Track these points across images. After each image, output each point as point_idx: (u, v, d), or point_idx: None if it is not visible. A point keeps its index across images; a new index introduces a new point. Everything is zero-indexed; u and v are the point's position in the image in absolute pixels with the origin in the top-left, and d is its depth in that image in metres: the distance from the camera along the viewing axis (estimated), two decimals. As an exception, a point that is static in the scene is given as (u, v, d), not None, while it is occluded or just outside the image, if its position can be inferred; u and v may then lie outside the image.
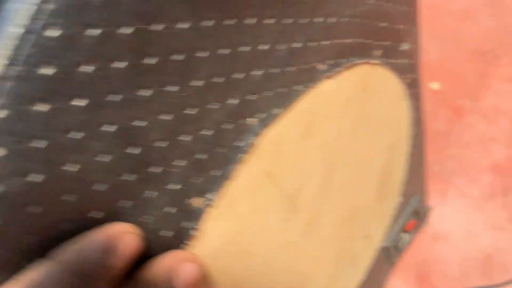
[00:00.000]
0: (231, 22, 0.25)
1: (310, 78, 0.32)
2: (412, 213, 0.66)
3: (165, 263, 0.25)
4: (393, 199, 0.56)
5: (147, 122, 0.23)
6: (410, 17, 0.43)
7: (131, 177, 0.23)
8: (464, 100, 0.90)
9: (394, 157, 0.52)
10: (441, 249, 0.75)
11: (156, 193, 0.25)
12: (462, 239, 0.75)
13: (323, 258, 0.46)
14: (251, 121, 0.28)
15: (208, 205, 0.28)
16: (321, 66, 0.33)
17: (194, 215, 0.28)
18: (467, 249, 0.74)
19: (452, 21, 1.03)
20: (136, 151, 0.23)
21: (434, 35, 1.02)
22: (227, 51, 0.25)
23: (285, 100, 0.30)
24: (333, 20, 0.32)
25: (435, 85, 0.93)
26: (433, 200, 0.80)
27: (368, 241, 0.55)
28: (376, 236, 0.57)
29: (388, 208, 0.57)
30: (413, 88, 0.50)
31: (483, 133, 0.85)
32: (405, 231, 0.68)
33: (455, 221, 0.77)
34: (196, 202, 0.27)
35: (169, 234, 0.26)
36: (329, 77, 0.35)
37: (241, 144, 0.29)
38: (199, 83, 0.24)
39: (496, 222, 0.75)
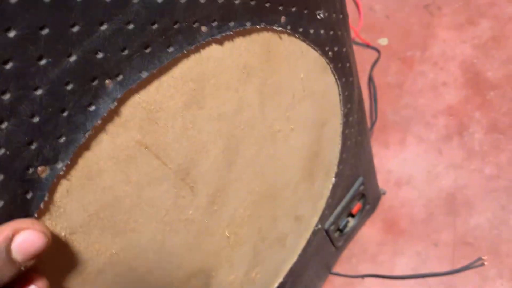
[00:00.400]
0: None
1: (185, 40, 0.25)
2: (357, 196, 0.59)
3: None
4: (326, 180, 0.49)
5: None
6: None
7: None
8: (413, 51, 0.83)
9: (323, 136, 0.44)
10: (405, 194, 0.68)
11: None
12: (425, 182, 0.68)
13: (238, 238, 0.39)
14: (103, 83, 0.22)
15: (55, 175, 0.22)
16: (201, 28, 0.26)
17: (39, 186, 0.21)
18: (430, 191, 0.67)
19: (394, -20, 0.95)
20: None
21: (379, -5, 0.94)
22: None
23: (152, 62, 0.24)
24: None
25: (383, 41, 0.86)
26: (393, 148, 0.73)
27: (299, 222, 0.48)
28: (308, 217, 0.49)
29: (321, 189, 0.49)
30: (338, 62, 0.40)
31: (434, 79, 0.78)
32: (351, 214, 0.61)
33: (416, 165, 0.70)
34: (40, 171, 0.21)
35: (8, 205, 0.20)
36: (216, 42, 0.28)
37: (95, 109, 0.22)
38: (14, 33, 0.18)
39: (455, 161, 0.69)
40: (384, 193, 0.69)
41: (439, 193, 0.67)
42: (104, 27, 0.21)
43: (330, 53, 0.39)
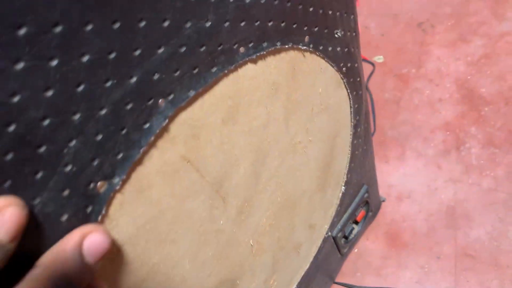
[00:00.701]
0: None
1: (227, 60, 0.26)
2: (361, 204, 0.61)
3: (70, 241, 0.20)
4: (336, 188, 0.51)
5: (24, 96, 0.17)
6: (343, 3, 0.37)
7: (8, 157, 0.18)
8: (408, 68, 0.85)
9: (336, 146, 0.46)
10: (406, 208, 0.70)
11: (44, 174, 0.19)
12: (425, 196, 0.70)
13: (260, 247, 0.40)
14: (157, 102, 0.23)
15: (113, 190, 0.23)
16: (239, 49, 0.27)
17: (98, 200, 0.22)
18: (430, 204, 0.69)
19: (387, -1, 0.98)
20: (12, 128, 0.17)
21: (373, 12, 0.97)
22: (120, 25, 0.20)
23: (199, 82, 0.25)
24: (247, 0, 0.26)
25: (379, 58, 0.89)
26: (393, 162, 0.75)
27: (312, 230, 0.49)
28: (320, 225, 0.51)
29: (332, 197, 0.51)
30: (351, 76, 0.43)
31: (430, 95, 0.80)
32: (355, 221, 0.63)
33: (416, 180, 0.72)
34: (99, 186, 0.22)
35: (71, 218, 0.21)
36: (251, 61, 0.29)
37: (149, 126, 0.23)
38: (87, 58, 0.19)
39: (454, 175, 0.71)
40: (384, 200, 0.70)
41: (439, 207, 0.69)
42: (161, 50, 0.22)
43: (344, 68, 0.41)
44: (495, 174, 0.69)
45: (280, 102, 0.34)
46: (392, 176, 0.74)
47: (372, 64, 0.87)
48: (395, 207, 0.70)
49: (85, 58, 0.19)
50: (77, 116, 0.20)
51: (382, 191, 0.73)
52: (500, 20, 0.86)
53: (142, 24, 0.21)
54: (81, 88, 0.19)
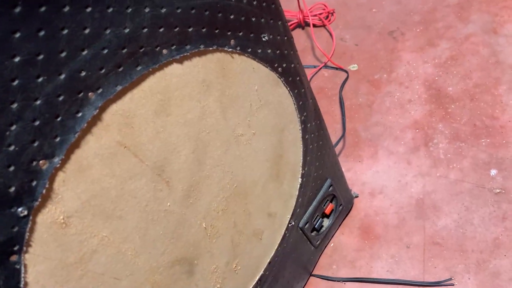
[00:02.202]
0: (45, 8, 0.26)
1: (150, 60, 0.32)
2: (328, 197, 0.66)
3: None
4: (293, 180, 0.56)
5: None
6: (267, 10, 0.42)
7: None
8: (380, 74, 0.91)
9: (285, 140, 0.51)
10: (379, 203, 0.75)
11: None
12: (396, 191, 0.75)
13: (215, 230, 0.45)
14: (87, 95, 0.29)
15: (53, 167, 0.29)
16: (162, 50, 0.34)
17: (41, 175, 0.28)
18: (401, 198, 0.74)
19: (361, 12, 1.05)
20: None
21: (348, 25, 1.03)
22: (45, 33, 0.26)
23: (125, 78, 0.31)
24: (163, 10, 0.33)
25: (354, 67, 0.95)
26: (366, 161, 0.80)
27: (272, 219, 0.54)
28: (281, 214, 0.56)
29: (290, 188, 0.56)
30: (289, 76, 0.48)
31: (401, 97, 0.86)
32: (324, 215, 0.68)
33: (387, 176, 0.77)
34: (42, 164, 0.28)
35: (18, 190, 0.27)
36: (176, 61, 0.35)
37: (82, 115, 0.29)
38: (18, 58, 0.25)
39: (423, 170, 0.76)
40: (356, 196, 0.75)
41: (409, 200, 0.73)
42: (85, 52, 0.29)
43: (280, 69, 0.47)
44: (462, 166, 0.74)
45: (213, 97, 0.41)
46: (365, 174, 0.79)
47: (346, 72, 0.93)
48: (368, 202, 0.75)
49: (17, 59, 0.26)
50: (15, 105, 0.26)
51: (356, 188, 0.77)
52: (466, 23, 0.92)
53: (65, 32, 0.28)
54: (15, 82, 0.26)
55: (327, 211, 0.67)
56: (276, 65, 0.46)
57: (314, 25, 1.06)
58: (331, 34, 1.02)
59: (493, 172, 0.71)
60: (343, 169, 0.79)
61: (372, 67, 0.93)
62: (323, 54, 0.98)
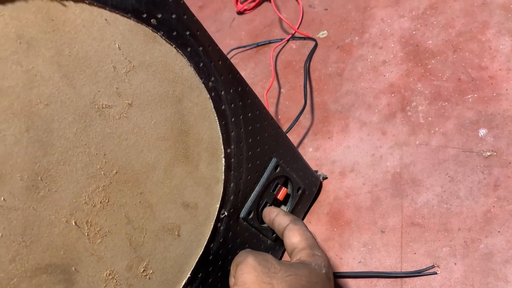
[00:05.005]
0: None
1: None
2: (277, 179, 0.56)
3: None
4: (213, 162, 0.47)
5: None
6: None
7: None
8: (351, 37, 0.80)
9: (186, 112, 0.43)
10: (350, 183, 0.64)
11: None
12: (369, 167, 0.64)
13: (96, 228, 0.37)
14: None
15: None
16: None
17: None
18: (375, 174, 0.63)
19: (330, -28, 0.94)
20: None
21: (314, -11, 0.93)
22: None
23: None
24: None
25: (323, 34, 0.84)
26: (336, 137, 0.70)
27: (192, 210, 0.46)
28: (204, 204, 0.47)
29: (212, 172, 0.47)
30: (169, 29, 0.39)
31: (374, 60, 0.75)
32: (278, 201, 0.57)
33: (360, 151, 0.66)
34: None
35: None
36: None
37: None
38: None
39: (399, 139, 0.65)
40: (325, 178, 0.65)
41: (384, 176, 0.62)
42: None
43: (152, 20, 0.38)
44: (445, 129, 0.62)
45: (43, 58, 0.32)
46: (335, 151, 0.68)
47: (315, 40, 0.83)
48: (338, 183, 0.65)
49: None
50: None
51: (325, 169, 0.67)
52: (446, -33, 0.80)
53: None
54: None
55: (280, 196, 0.57)
56: (144, 15, 0.37)
57: (281, -5, 0.96)
58: (298, 2, 0.91)
59: (482, 132, 0.59)
60: (311, 149, 0.69)
61: (343, 31, 0.82)
62: (291, 26, 0.88)
